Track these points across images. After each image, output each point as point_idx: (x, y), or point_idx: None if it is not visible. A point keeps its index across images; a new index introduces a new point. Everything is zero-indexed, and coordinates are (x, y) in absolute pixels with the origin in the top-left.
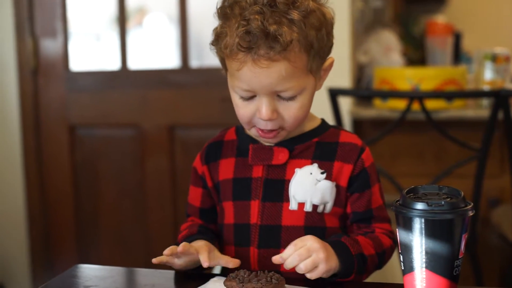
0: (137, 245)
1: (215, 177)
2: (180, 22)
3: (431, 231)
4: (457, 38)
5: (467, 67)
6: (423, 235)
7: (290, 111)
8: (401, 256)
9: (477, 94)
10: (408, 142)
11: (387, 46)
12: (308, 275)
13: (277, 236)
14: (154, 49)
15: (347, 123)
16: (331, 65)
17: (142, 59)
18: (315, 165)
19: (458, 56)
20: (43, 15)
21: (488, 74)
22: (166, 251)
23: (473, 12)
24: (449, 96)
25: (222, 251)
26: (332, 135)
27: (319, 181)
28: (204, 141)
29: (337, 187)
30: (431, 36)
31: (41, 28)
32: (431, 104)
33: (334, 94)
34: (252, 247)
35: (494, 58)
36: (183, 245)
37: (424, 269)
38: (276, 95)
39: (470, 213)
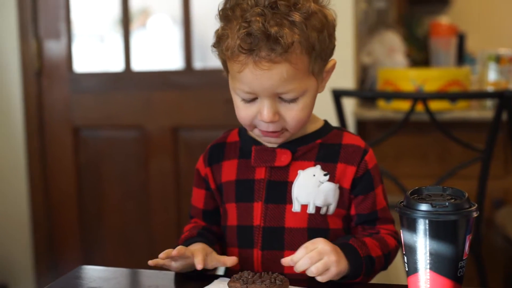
0: (141, 246)
1: (218, 178)
2: (184, 23)
3: (435, 232)
4: (461, 39)
5: (471, 68)
6: (427, 236)
7: (292, 113)
8: (405, 257)
9: (481, 95)
10: (412, 143)
11: (391, 47)
12: (319, 278)
13: (280, 238)
14: (158, 50)
15: (350, 124)
16: (333, 67)
17: (145, 60)
18: (318, 167)
19: (462, 57)
20: (47, 16)
21: (492, 75)
22: (162, 255)
23: (476, 13)
24: (453, 97)
25: (226, 252)
26: (335, 137)
27: (322, 183)
28: (208, 142)
29: (340, 189)
30: (435, 37)
31: (45, 29)
32: (434, 105)
33: (337, 95)
34: (255, 249)
35: (498, 59)
36: (178, 249)
37: (428, 270)
38: (277, 97)
39: (474, 214)
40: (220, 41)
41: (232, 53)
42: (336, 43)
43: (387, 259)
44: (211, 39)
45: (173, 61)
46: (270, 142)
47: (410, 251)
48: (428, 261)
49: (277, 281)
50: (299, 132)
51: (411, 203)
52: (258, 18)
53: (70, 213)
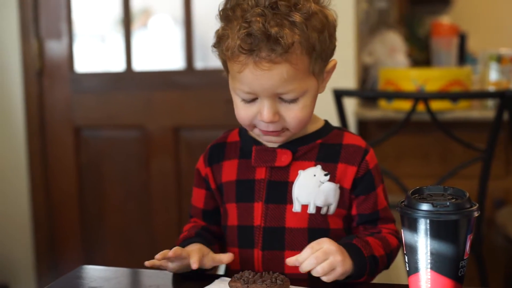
0: (141, 246)
1: (218, 178)
2: (185, 23)
3: (436, 232)
4: (462, 39)
5: (472, 68)
6: (428, 236)
7: (292, 113)
8: (406, 257)
9: (482, 95)
10: (413, 143)
11: (392, 47)
12: (325, 278)
13: (281, 238)
14: (159, 50)
15: (352, 124)
16: (333, 67)
17: (147, 60)
18: (319, 167)
19: (463, 57)
20: (48, 16)
21: (493, 75)
22: (158, 256)
23: (478, 13)
24: (454, 97)
25: (226, 252)
26: (335, 137)
27: (323, 183)
28: (208, 142)
29: (341, 189)
30: (436, 37)
31: (46, 29)
32: (436, 105)
33: (339, 95)
34: (256, 249)
35: (499, 59)
36: (174, 250)
37: (429, 270)
38: (278, 97)
39: (475, 214)
40: (220, 41)
41: (232, 54)
42: (337, 43)
43: (389, 258)
44: (212, 39)
45: (174, 61)
46: (271, 141)
47: (411, 250)
48: (429, 261)
49: (277, 280)
50: (299, 132)
51: (412, 203)
52: (258, 19)
53: (71, 213)
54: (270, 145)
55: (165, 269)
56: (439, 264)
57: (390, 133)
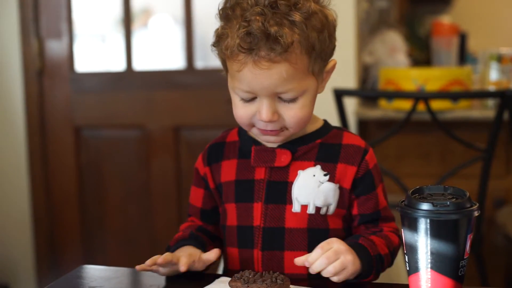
0: (142, 246)
1: (217, 178)
2: (185, 23)
3: (436, 232)
4: (463, 38)
5: (473, 68)
6: (429, 236)
7: (291, 112)
8: (406, 257)
9: (483, 94)
10: (413, 142)
11: (392, 47)
12: (335, 278)
13: (281, 238)
14: (159, 50)
15: (352, 124)
16: (333, 67)
17: (147, 60)
18: (318, 167)
19: (464, 56)
20: (48, 16)
21: (494, 74)
22: (148, 262)
23: (478, 13)
24: (454, 96)
25: (226, 253)
26: (335, 137)
27: (322, 183)
28: (209, 142)
29: (341, 189)
30: (437, 37)
31: (46, 29)
32: (436, 104)
33: (339, 94)
34: (255, 249)
35: (500, 59)
36: (164, 257)
37: (429, 269)
38: (277, 97)
39: (476, 214)
40: (219, 40)
41: (231, 52)
42: (338, 42)
43: (393, 256)
44: (212, 38)
45: (175, 61)
46: (269, 141)
47: (411, 250)
48: (429, 261)
49: (278, 280)
50: (299, 132)
51: (413, 203)
52: (258, 18)
53: (71, 213)
54: (269, 145)
55: (156, 273)
56: (439, 263)
57: (391, 133)
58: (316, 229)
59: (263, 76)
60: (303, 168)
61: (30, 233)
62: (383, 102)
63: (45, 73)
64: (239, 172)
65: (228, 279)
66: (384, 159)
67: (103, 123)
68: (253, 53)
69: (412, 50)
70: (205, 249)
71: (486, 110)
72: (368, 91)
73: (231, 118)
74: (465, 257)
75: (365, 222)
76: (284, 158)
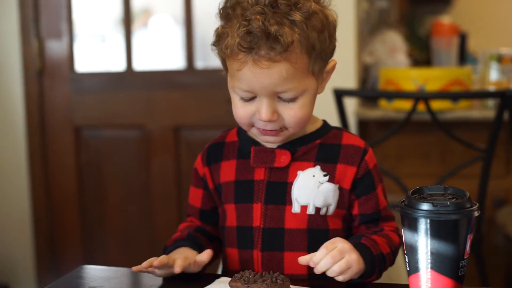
0: (142, 246)
1: (217, 179)
2: (186, 23)
3: (436, 232)
4: (463, 38)
5: (473, 68)
6: (429, 236)
7: (290, 112)
8: (407, 257)
9: (483, 94)
10: (413, 142)
11: (393, 47)
12: (341, 278)
13: (280, 239)
14: (160, 50)
15: (352, 124)
16: (333, 67)
17: (147, 60)
18: (318, 168)
19: (464, 56)
20: (48, 16)
21: (494, 74)
22: (144, 264)
23: (478, 13)
24: (454, 96)
25: (226, 253)
26: (334, 137)
27: (322, 183)
28: (209, 142)
29: (340, 189)
30: (437, 37)
31: (46, 29)
32: (436, 104)
33: (339, 95)
34: (255, 250)
35: (500, 59)
36: (160, 259)
37: (429, 269)
38: (276, 97)
39: (476, 214)
40: (220, 39)
41: (231, 52)
42: (338, 42)
43: (394, 255)
44: (212, 38)
45: (175, 61)
46: (269, 142)
47: (411, 250)
48: (429, 261)
49: (278, 280)
50: (298, 132)
51: (413, 203)
52: (258, 17)
53: (71, 213)
54: (268, 145)
55: (152, 274)
56: (439, 263)
57: (391, 133)
58: (315, 230)
59: (263, 75)
60: (303, 169)
61: (30, 233)
62: (383, 102)
63: (45, 73)
64: (238, 172)
65: (228, 279)
66: (384, 159)
67: (103, 123)
68: (253, 52)
69: (412, 50)
70: (201, 250)
71: (486, 110)
72: (368, 91)
73: (231, 118)
74: (465, 257)
75: (366, 222)
76: (283, 158)
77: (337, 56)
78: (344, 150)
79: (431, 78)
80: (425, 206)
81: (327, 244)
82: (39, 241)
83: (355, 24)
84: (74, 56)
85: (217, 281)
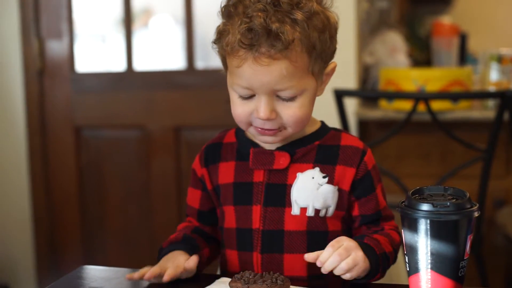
0: (142, 246)
1: (215, 180)
2: (186, 23)
3: (436, 232)
4: (463, 39)
5: (473, 68)
6: (429, 236)
7: (289, 111)
8: (407, 257)
9: (483, 95)
10: (413, 143)
11: (393, 47)
12: (349, 275)
13: (280, 241)
14: (160, 50)
15: (352, 124)
16: (333, 70)
17: (147, 60)
18: (317, 169)
19: (464, 57)
20: (48, 16)
21: (494, 75)
22: (136, 275)
23: (479, 13)
24: (454, 97)
25: (225, 255)
26: (333, 138)
27: (321, 185)
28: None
29: (339, 191)
30: (437, 37)
31: (46, 29)
32: (436, 105)
33: (339, 95)
34: (255, 252)
35: (500, 59)
36: (152, 271)
37: (429, 270)
38: (275, 95)
39: (476, 214)
40: (221, 37)
41: (232, 48)
42: (338, 43)
43: (396, 253)
44: (213, 36)
45: (175, 61)
46: (267, 142)
47: (412, 251)
48: (429, 261)
49: (278, 281)
50: (297, 134)
51: (413, 203)
52: (260, 14)
53: (71, 213)
54: (267, 147)
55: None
56: (439, 264)
57: (391, 133)
58: (315, 232)
59: (263, 73)
60: (302, 171)
61: (30, 233)
62: (383, 103)
63: (46, 73)
64: (237, 174)
65: (228, 279)
66: (384, 159)
67: (103, 123)
68: (253, 49)
69: (412, 50)
70: (197, 253)
71: (486, 111)
72: (369, 91)
73: (231, 119)
74: (465, 258)
75: (367, 222)
76: (282, 160)
77: (337, 57)
78: (343, 151)
79: (431, 79)
80: (425, 207)
81: (332, 243)
82: (39, 241)
83: (355, 24)
84: (74, 56)
85: (217, 281)
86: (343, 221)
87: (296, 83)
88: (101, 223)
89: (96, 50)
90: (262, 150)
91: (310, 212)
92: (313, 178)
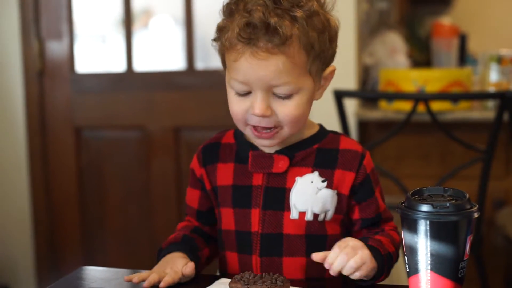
0: (142, 247)
1: (213, 180)
2: (186, 24)
3: (436, 233)
4: (463, 39)
5: (473, 69)
6: (428, 237)
7: (285, 109)
8: (406, 258)
9: (483, 95)
10: (413, 143)
11: (393, 48)
12: (358, 274)
13: (279, 244)
14: (160, 51)
15: (352, 125)
16: (332, 74)
17: (147, 61)
18: (316, 173)
19: (464, 57)
20: (48, 17)
21: (494, 75)
22: (135, 279)
23: (478, 14)
24: (454, 97)
25: (224, 257)
26: (332, 141)
27: (320, 189)
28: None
29: (338, 195)
30: (437, 38)
31: (46, 30)
32: (436, 105)
33: (339, 96)
34: (254, 255)
35: (500, 60)
36: (149, 281)
37: (429, 271)
38: (271, 93)
39: (475, 215)
40: (220, 33)
41: (230, 43)
42: (338, 43)
43: (397, 254)
44: (213, 34)
45: (175, 62)
46: (264, 145)
47: (411, 251)
48: (429, 262)
49: (278, 282)
50: (295, 137)
51: (412, 204)
52: (259, 8)
53: (71, 214)
54: (266, 150)
55: None
56: (439, 265)
57: (391, 134)
58: (314, 235)
59: (260, 67)
60: (301, 175)
61: (30, 233)
62: (383, 103)
63: (46, 74)
64: (236, 177)
65: (228, 280)
66: (384, 160)
67: (103, 123)
68: (251, 43)
69: (412, 51)
70: (195, 254)
71: (486, 111)
72: (368, 92)
73: (231, 119)
74: (465, 259)
75: (367, 225)
76: (281, 164)
77: (337, 57)
78: (342, 155)
79: (431, 79)
80: (424, 208)
81: (339, 243)
82: (39, 241)
83: (355, 25)
84: (74, 56)
85: (217, 282)
86: (342, 224)
87: (293, 80)
88: (101, 223)
89: (96, 50)
90: (261, 153)
91: (308, 217)
92: (312, 182)
